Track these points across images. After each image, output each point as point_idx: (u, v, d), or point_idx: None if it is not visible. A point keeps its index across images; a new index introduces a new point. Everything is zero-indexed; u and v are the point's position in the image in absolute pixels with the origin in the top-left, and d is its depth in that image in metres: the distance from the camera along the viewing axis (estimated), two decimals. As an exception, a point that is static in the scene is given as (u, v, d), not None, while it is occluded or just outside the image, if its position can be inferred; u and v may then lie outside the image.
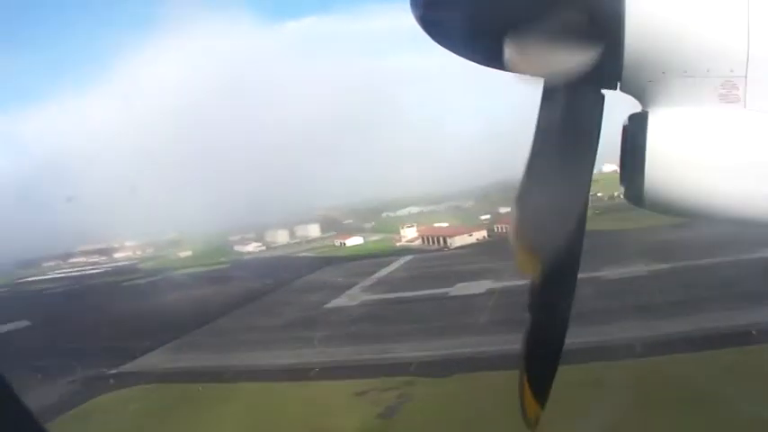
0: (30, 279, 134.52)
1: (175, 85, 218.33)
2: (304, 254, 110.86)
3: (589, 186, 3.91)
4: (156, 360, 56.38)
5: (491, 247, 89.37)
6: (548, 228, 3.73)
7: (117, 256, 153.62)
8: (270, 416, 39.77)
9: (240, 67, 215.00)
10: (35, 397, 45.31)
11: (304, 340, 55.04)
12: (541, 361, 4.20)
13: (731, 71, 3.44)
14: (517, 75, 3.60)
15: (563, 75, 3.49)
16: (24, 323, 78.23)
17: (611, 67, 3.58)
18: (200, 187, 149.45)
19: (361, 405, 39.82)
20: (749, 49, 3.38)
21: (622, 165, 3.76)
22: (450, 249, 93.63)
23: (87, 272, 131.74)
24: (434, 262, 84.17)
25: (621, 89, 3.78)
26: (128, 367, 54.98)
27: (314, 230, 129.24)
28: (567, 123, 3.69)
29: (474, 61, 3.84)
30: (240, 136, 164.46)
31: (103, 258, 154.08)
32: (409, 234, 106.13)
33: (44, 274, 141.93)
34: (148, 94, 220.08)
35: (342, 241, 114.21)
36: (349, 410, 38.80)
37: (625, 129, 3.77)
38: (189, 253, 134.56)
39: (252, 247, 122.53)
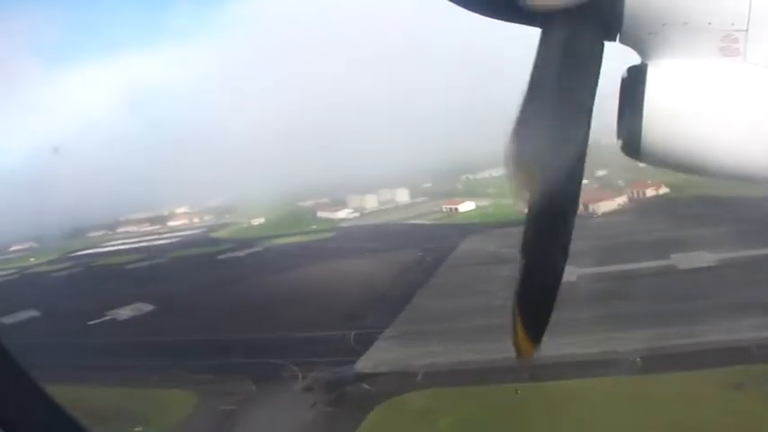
0: (92, 251, 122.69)
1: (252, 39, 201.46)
2: (415, 221, 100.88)
3: (587, 129, 3.72)
4: (399, 354, 46.93)
5: (655, 213, 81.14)
6: (545, 156, 3.70)
7: (173, 224, 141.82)
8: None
9: (330, 23, 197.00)
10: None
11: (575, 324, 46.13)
12: (537, 302, 4.01)
13: (732, 25, 3.44)
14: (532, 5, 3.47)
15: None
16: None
17: (611, 17, 3.59)
18: (258, 149, 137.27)
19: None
20: (751, 3, 3.39)
21: (620, 117, 3.75)
22: (598, 216, 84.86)
23: (159, 242, 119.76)
24: (604, 230, 75.23)
25: (621, 41, 3.76)
26: (366, 366, 45.69)
27: (402, 195, 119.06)
28: (566, 67, 3.64)
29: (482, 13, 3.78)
30: (313, 93, 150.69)
31: (158, 227, 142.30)
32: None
33: (99, 246, 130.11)
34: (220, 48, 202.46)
35: (452, 207, 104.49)
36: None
37: (624, 81, 3.75)
38: (262, 220, 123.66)
39: (344, 214, 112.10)
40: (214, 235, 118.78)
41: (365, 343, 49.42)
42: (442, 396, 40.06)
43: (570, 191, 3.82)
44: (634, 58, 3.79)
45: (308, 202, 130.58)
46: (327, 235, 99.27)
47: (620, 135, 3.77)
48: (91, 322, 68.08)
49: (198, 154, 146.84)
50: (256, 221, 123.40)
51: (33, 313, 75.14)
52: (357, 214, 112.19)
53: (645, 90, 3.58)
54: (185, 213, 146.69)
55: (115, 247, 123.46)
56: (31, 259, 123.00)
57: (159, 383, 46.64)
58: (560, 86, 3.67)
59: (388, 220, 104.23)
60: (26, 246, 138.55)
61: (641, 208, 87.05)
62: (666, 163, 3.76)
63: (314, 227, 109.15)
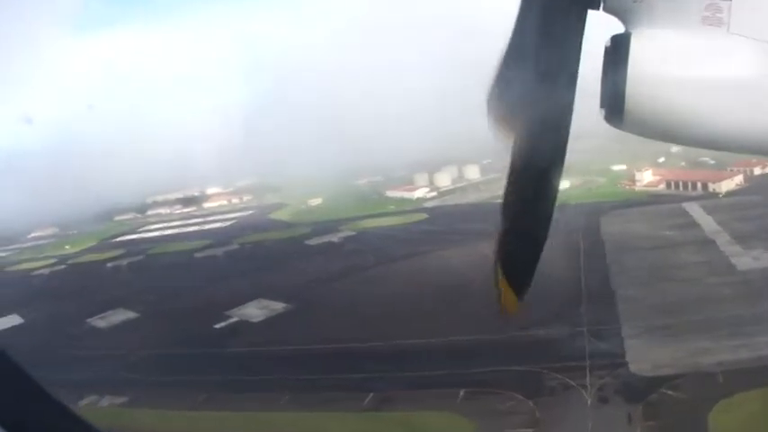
0: (137, 236, 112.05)
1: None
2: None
3: (571, 92, 3.79)
4: (667, 353, 41.38)
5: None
6: (526, 113, 3.70)
7: (209, 205, 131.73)
8: None
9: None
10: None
11: None
12: (520, 258, 4.07)
13: None
14: None
15: None
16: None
17: None
18: (301, 125, 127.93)
19: None
20: None
21: (603, 86, 3.74)
22: (722, 196, 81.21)
23: (212, 226, 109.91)
24: (750, 211, 71.32)
25: (605, 9, 3.80)
26: (643, 368, 40.06)
27: (473, 172, 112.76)
28: (547, 31, 3.67)
29: None
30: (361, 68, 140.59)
31: (193, 209, 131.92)
32: (646, 178, 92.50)
33: (142, 230, 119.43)
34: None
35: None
36: None
37: (607, 50, 3.73)
38: (319, 200, 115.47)
39: (421, 193, 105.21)
40: (273, 217, 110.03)
41: (605, 342, 43.85)
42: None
43: (553, 150, 3.79)
44: (618, 27, 3.80)
45: (363, 181, 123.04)
46: (420, 216, 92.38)
47: (602, 104, 3.76)
48: (217, 325, 59.60)
49: (230, 131, 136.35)
50: (314, 202, 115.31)
51: (130, 314, 66.37)
52: (434, 193, 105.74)
53: (628, 59, 3.57)
54: (220, 194, 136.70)
55: (161, 232, 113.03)
56: (66, 247, 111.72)
57: (415, 405, 39.62)
58: (542, 49, 3.65)
59: (478, 199, 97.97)
60: (49, 232, 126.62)
61: (760, 186, 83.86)
62: (649, 132, 3.75)
63: (391, 207, 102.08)
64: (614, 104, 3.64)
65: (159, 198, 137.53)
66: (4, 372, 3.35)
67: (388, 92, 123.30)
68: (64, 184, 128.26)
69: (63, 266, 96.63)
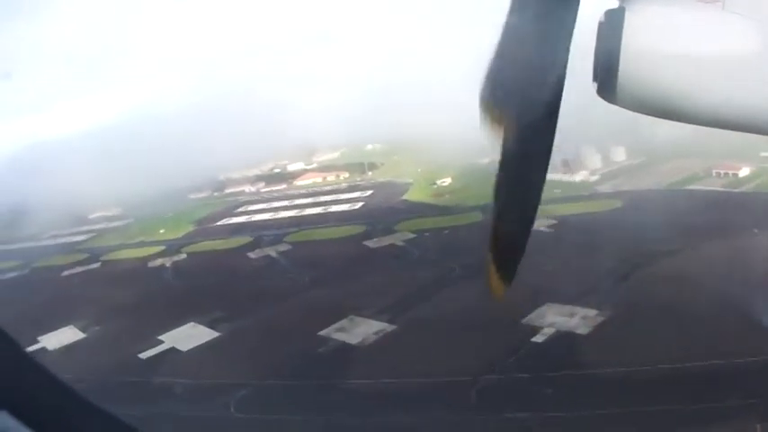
0: (248, 219, 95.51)
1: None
2: (696, 187, 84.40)
3: (562, 74, 3.68)
4: None
5: None
6: (517, 97, 3.68)
7: (302, 183, 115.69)
8: None
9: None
10: None
11: None
12: (508, 244, 4.14)
13: None
14: None
15: None
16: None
17: None
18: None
19: None
20: None
21: (596, 60, 3.75)
22: None
23: (336, 209, 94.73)
24: None
25: None
26: None
27: (619, 154, 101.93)
28: (541, 10, 3.59)
29: None
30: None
31: (283, 186, 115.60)
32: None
33: (239, 213, 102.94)
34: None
35: (730, 171, 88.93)
36: None
37: (601, 24, 3.74)
38: (448, 180, 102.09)
39: (583, 176, 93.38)
40: (409, 198, 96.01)
41: None
42: None
43: (543, 135, 3.76)
44: (612, 2, 3.75)
45: (485, 160, 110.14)
46: (614, 203, 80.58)
47: (595, 78, 3.77)
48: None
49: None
50: (443, 182, 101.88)
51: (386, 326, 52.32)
52: (597, 177, 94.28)
53: (622, 34, 3.56)
54: (310, 170, 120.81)
55: (275, 214, 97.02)
56: (161, 231, 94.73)
57: None
58: (535, 29, 3.59)
59: (650, 185, 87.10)
60: (113, 213, 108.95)
61: None
62: (642, 107, 3.74)
63: (557, 191, 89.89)
64: (607, 78, 3.66)
65: (235, 175, 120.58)
66: (18, 364, 3.10)
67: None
68: (121, 159, 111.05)
69: (185, 257, 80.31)
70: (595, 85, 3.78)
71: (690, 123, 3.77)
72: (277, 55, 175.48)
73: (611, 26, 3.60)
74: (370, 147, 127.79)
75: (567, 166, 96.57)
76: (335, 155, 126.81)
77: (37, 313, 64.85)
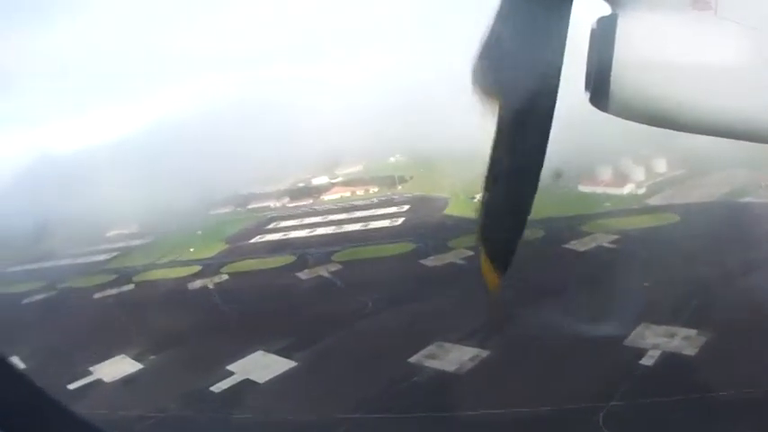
0: (290, 235, 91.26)
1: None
2: (749, 199, 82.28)
3: (557, 70, 3.63)
4: None
5: None
6: (510, 87, 3.57)
7: (330, 197, 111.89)
8: None
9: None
10: None
11: None
12: (502, 235, 4.00)
13: None
14: None
15: None
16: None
17: None
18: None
19: None
20: None
21: (589, 68, 3.69)
22: None
23: (377, 224, 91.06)
24: None
25: None
26: None
27: (660, 165, 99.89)
28: (534, 9, 3.51)
29: None
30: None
31: (309, 201, 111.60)
32: None
33: (268, 231, 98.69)
34: None
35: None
36: None
37: (593, 32, 3.66)
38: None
39: (630, 189, 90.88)
40: (450, 213, 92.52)
41: None
42: None
43: (537, 123, 3.67)
44: (604, 9, 3.63)
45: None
46: (671, 217, 77.99)
47: (587, 86, 3.72)
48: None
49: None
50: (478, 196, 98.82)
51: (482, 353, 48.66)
52: (644, 189, 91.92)
53: (615, 41, 3.49)
54: (336, 184, 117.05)
55: (309, 231, 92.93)
56: (191, 249, 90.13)
57: None
58: (529, 26, 3.52)
59: (700, 198, 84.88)
60: (131, 230, 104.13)
61: None
62: (634, 115, 3.67)
63: (607, 204, 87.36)
64: (600, 87, 3.59)
65: (257, 189, 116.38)
66: (8, 380, 3.11)
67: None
68: (138, 174, 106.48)
69: (227, 277, 75.94)
70: (587, 93, 3.70)
71: (683, 132, 3.66)
72: (295, 63, 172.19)
73: (604, 33, 3.55)
74: (392, 159, 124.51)
75: (559, 176, 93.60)
76: (358, 168, 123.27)
77: (80, 339, 60.31)
